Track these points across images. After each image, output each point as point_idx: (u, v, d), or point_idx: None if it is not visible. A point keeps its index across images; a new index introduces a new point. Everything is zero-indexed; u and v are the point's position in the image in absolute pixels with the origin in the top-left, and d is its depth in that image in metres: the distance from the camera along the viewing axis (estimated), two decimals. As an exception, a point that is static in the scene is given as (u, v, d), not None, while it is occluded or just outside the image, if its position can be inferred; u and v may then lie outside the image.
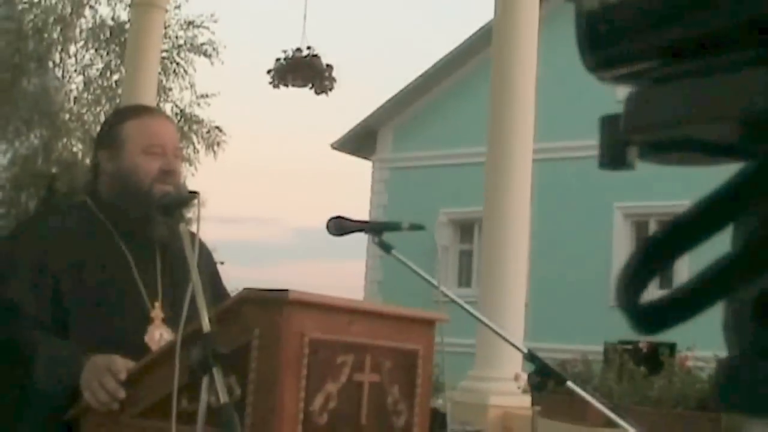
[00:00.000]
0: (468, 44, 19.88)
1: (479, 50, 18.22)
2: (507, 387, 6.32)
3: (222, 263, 3.20)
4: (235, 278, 3.10)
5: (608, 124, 0.62)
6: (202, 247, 2.79)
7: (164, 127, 2.85)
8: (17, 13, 15.59)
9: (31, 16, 15.68)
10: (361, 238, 3.04)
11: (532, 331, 5.85)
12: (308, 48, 11.05)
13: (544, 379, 2.76)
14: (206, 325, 2.23)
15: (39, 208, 14.06)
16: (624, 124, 0.61)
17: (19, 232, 2.86)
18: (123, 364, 2.43)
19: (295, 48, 11.06)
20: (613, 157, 0.63)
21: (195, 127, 16.17)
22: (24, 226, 3.03)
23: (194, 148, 16.04)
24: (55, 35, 15.88)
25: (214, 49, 16.34)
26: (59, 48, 16.01)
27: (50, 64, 15.96)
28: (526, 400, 6.12)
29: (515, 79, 6.96)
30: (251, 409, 2.24)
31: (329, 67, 11.02)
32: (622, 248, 18.71)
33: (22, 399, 2.50)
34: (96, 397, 2.40)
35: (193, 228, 2.61)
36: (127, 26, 13.29)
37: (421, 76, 20.85)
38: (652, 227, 18.66)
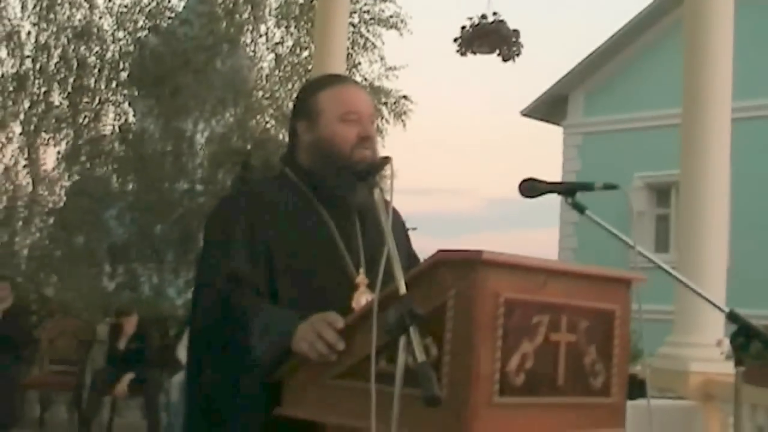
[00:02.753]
0: (658, 2, 19.36)
1: (670, 8, 17.71)
2: (708, 353, 6.14)
3: (414, 229, 3.22)
4: (429, 250, 3.11)
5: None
6: (395, 212, 2.82)
7: (358, 94, 2.88)
8: (210, -3, 16.06)
9: (223, -1, 16.11)
10: (554, 208, 3.00)
11: (735, 296, 5.65)
12: (494, 14, 10.96)
13: (748, 339, 2.66)
14: (402, 286, 2.26)
15: (236, 184, 14.48)
16: None
17: (228, 205, 2.91)
18: (338, 317, 2.47)
19: (480, 15, 11.00)
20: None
21: (383, 98, 16.30)
22: (231, 198, 3.08)
23: (384, 119, 16.18)
24: (246, 15, 16.29)
25: (401, 20, 16.42)
26: (250, 28, 16.41)
27: (242, 43, 16.37)
28: (729, 366, 5.93)
29: (709, 35, 6.71)
30: (448, 369, 2.25)
31: (516, 32, 10.90)
32: (829, 209, 17.91)
33: (241, 365, 2.58)
34: (314, 347, 2.45)
35: (386, 193, 2.63)
36: (315, 2, 13.50)
37: (611, 38, 20.44)
38: None
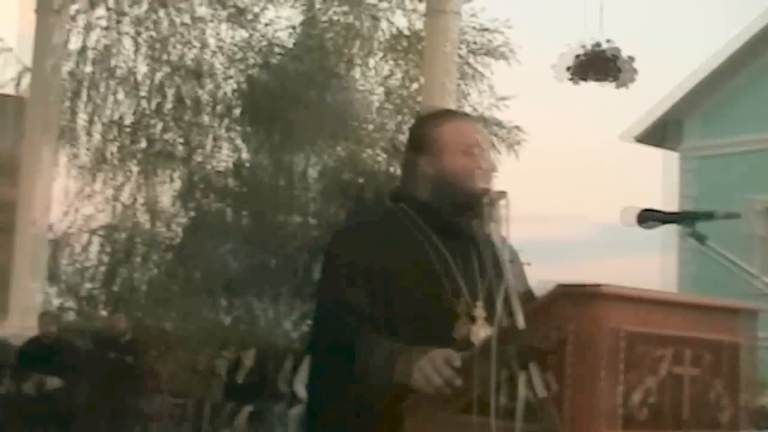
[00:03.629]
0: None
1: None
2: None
3: (529, 264, 3.21)
4: (542, 277, 3.09)
5: None
6: (510, 245, 2.83)
7: (476, 128, 2.96)
8: (318, 32, 16.29)
9: (331, 34, 16.32)
10: (670, 232, 2.95)
11: None
12: (607, 41, 10.92)
13: None
14: (521, 321, 2.25)
15: (351, 217, 14.56)
16: None
17: (344, 238, 2.98)
18: (456, 355, 2.47)
19: (594, 43, 10.96)
20: None
21: (494, 129, 16.28)
22: (347, 231, 3.18)
23: (496, 149, 16.15)
24: (355, 50, 16.46)
25: (510, 50, 16.40)
26: (359, 62, 16.58)
27: (352, 78, 16.54)
28: None
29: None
30: (569, 405, 2.23)
31: (630, 59, 10.85)
32: None
33: (359, 401, 2.61)
34: (430, 381, 2.45)
35: (502, 227, 2.64)
36: (423, 35, 13.56)
37: (725, 60, 20.14)
38: None
